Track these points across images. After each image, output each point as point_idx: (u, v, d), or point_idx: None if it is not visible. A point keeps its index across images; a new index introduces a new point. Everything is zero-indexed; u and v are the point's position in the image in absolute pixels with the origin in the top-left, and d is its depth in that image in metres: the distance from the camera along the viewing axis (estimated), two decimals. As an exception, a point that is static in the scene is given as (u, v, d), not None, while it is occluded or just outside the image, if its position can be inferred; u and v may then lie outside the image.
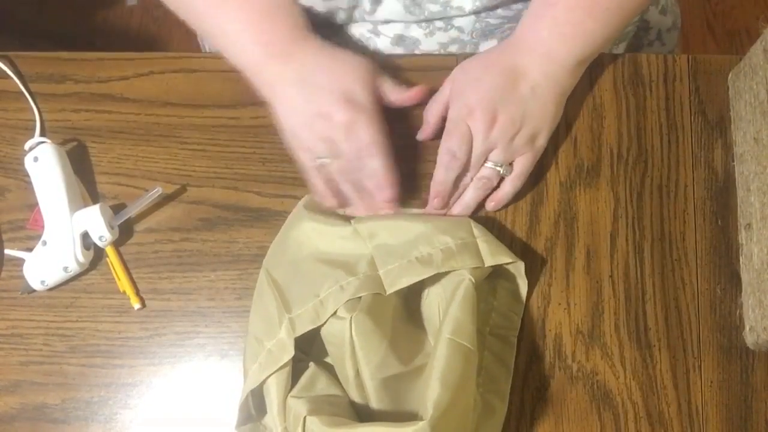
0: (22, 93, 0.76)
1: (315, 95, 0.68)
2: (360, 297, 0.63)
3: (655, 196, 0.73)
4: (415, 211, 0.72)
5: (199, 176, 0.74)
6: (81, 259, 0.70)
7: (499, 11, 0.78)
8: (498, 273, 0.69)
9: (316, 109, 0.67)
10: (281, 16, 0.70)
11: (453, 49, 0.82)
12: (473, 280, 0.64)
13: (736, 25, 1.69)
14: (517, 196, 0.72)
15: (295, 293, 0.64)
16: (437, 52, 0.82)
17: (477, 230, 0.67)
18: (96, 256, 0.73)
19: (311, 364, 0.66)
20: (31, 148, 0.73)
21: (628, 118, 0.75)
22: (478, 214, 0.72)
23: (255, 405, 0.66)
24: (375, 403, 0.64)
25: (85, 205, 0.72)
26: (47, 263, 0.70)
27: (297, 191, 0.73)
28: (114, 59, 0.78)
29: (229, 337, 0.71)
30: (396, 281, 0.64)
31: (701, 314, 0.70)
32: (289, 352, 0.62)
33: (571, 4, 0.68)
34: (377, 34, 0.81)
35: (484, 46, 0.82)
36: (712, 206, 0.73)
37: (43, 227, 0.71)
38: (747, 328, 0.69)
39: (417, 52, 0.82)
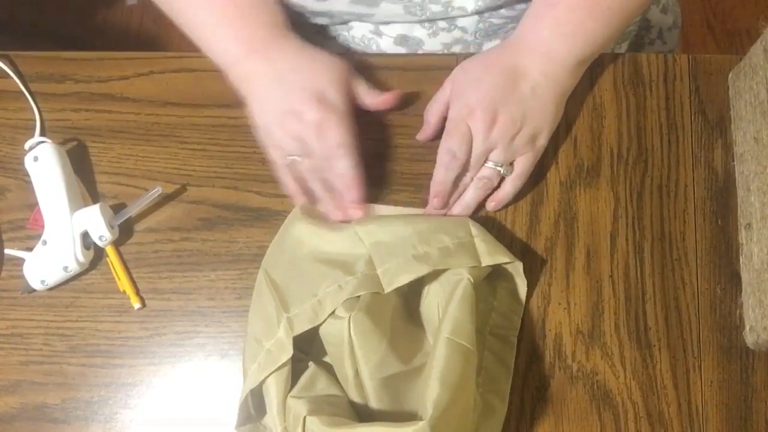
0: (22, 93, 0.76)
1: (288, 93, 0.68)
2: (359, 296, 0.63)
3: (655, 196, 0.73)
4: (414, 210, 0.72)
5: (199, 176, 0.74)
6: (81, 258, 0.70)
7: (503, 11, 0.78)
8: (498, 273, 0.69)
9: (288, 107, 0.68)
10: (260, 13, 0.71)
11: (456, 49, 0.82)
12: (472, 280, 0.64)
13: (736, 25, 1.69)
14: (517, 196, 0.72)
15: (293, 293, 0.64)
16: (440, 52, 0.82)
17: (475, 230, 0.67)
18: (96, 255, 0.73)
19: (311, 364, 0.66)
20: (31, 148, 0.73)
21: (628, 118, 0.75)
22: (478, 214, 0.72)
23: (255, 405, 0.66)
24: (374, 402, 0.64)
25: (85, 205, 0.72)
26: (47, 263, 0.70)
27: (297, 191, 0.73)
28: (114, 59, 0.78)
29: (229, 337, 0.71)
30: (394, 279, 0.64)
31: (701, 314, 0.70)
32: (288, 352, 0.62)
33: (572, 4, 0.68)
34: (379, 34, 0.82)
35: (488, 46, 0.82)
36: (712, 206, 0.73)
37: (43, 227, 0.71)
38: (747, 328, 0.69)
39: (420, 52, 0.82)
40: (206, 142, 0.75)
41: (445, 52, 0.81)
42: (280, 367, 0.63)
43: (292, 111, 0.68)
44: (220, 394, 0.70)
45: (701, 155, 0.74)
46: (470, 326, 0.63)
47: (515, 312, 0.70)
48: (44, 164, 0.71)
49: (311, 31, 0.85)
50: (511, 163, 0.70)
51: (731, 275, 0.71)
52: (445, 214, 0.71)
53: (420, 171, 0.73)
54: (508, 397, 0.68)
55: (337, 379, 0.65)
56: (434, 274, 0.66)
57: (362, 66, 0.76)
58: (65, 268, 0.70)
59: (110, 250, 0.72)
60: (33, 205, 0.72)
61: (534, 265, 0.71)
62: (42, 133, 0.75)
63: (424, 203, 0.71)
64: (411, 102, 0.75)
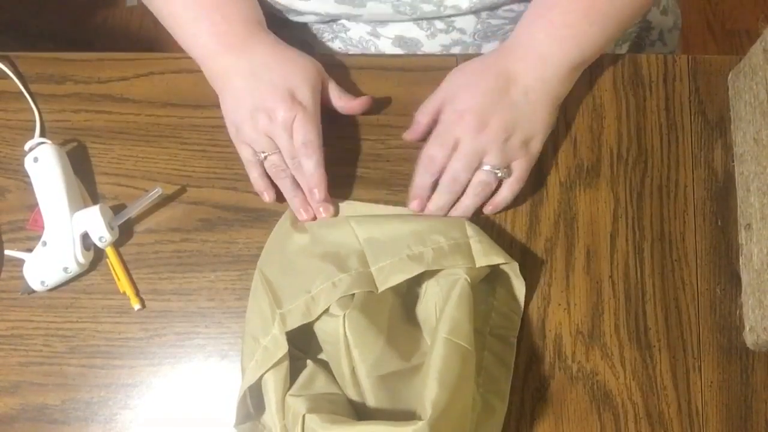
0: (22, 93, 0.76)
1: (260, 90, 0.69)
2: (353, 295, 0.63)
3: (655, 197, 0.73)
4: (391, 209, 0.72)
5: (199, 177, 0.74)
6: (81, 259, 0.70)
7: (501, 12, 0.78)
8: (497, 273, 0.69)
9: (259, 104, 0.68)
10: (237, 9, 0.71)
11: (455, 50, 0.82)
12: (469, 280, 0.64)
13: (736, 25, 1.69)
14: (517, 198, 0.72)
15: (286, 289, 0.65)
16: (439, 53, 0.82)
17: (471, 230, 0.67)
18: (96, 256, 0.73)
19: (309, 363, 0.66)
20: (31, 149, 0.73)
21: (628, 119, 0.75)
22: (479, 215, 0.72)
23: (254, 403, 0.66)
24: (371, 401, 0.64)
25: (85, 206, 0.72)
26: (47, 264, 0.70)
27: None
28: (114, 60, 0.78)
29: (229, 338, 0.71)
30: (388, 278, 0.64)
31: (701, 314, 0.70)
32: (283, 348, 0.62)
33: (568, 8, 0.68)
34: (377, 36, 0.82)
35: (487, 47, 0.82)
36: (712, 206, 0.73)
37: (43, 228, 0.71)
38: (747, 328, 0.69)
39: (419, 53, 0.82)
40: (206, 143, 0.75)
41: (444, 53, 0.81)
42: (276, 364, 0.63)
43: (263, 108, 0.68)
44: (220, 395, 0.70)
45: (701, 156, 0.74)
46: (468, 326, 0.63)
47: (515, 312, 0.70)
48: (44, 165, 0.71)
49: (304, 33, 0.85)
50: (509, 167, 0.70)
51: (731, 276, 0.71)
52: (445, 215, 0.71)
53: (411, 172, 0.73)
54: (508, 397, 0.68)
55: (335, 378, 0.65)
56: (431, 275, 0.66)
57: (361, 66, 0.76)
58: (65, 269, 0.70)
59: (110, 251, 0.72)
60: (33, 206, 0.72)
61: (534, 266, 0.71)
62: (42, 134, 0.75)
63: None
64: (387, 105, 0.75)
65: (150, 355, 0.71)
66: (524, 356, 0.70)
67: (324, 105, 0.71)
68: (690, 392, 0.69)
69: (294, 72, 0.70)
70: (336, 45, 0.85)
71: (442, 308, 0.64)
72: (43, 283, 0.71)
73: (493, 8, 0.77)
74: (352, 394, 0.64)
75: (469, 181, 0.69)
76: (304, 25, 0.84)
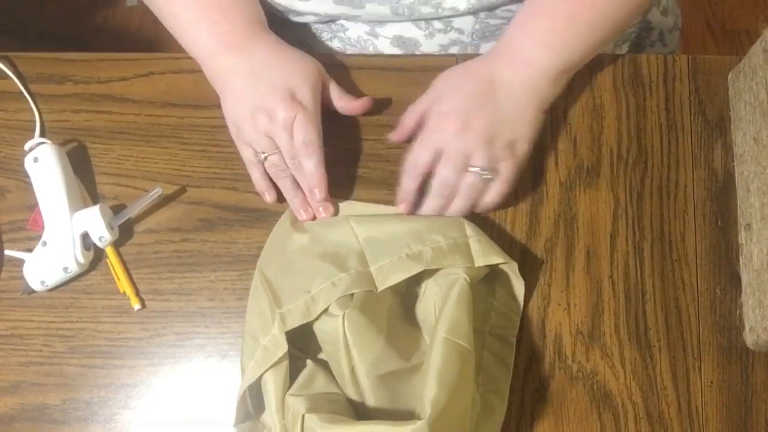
0: (22, 93, 0.76)
1: (260, 90, 0.69)
2: (352, 294, 0.63)
3: (655, 197, 0.73)
4: (387, 209, 0.72)
5: (199, 177, 0.74)
6: (81, 259, 0.70)
7: (499, 12, 0.78)
8: (497, 273, 0.69)
9: (260, 104, 0.68)
10: (238, 8, 0.71)
11: (454, 50, 0.82)
12: (468, 279, 0.64)
13: (736, 25, 1.69)
14: (517, 198, 0.72)
15: (286, 289, 0.65)
16: (437, 53, 0.82)
17: (470, 230, 0.67)
18: (96, 256, 0.73)
19: (309, 362, 0.66)
20: (31, 149, 0.73)
21: (628, 119, 0.75)
22: (479, 215, 0.72)
23: (253, 403, 0.66)
24: (371, 400, 0.64)
25: (85, 206, 0.72)
26: (47, 264, 0.70)
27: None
28: (114, 60, 0.78)
29: (229, 338, 0.71)
30: (387, 278, 0.64)
31: (701, 314, 0.70)
32: (283, 347, 0.62)
33: (553, 13, 0.69)
34: (375, 35, 0.82)
35: (485, 47, 0.82)
36: (712, 206, 0.73)
37: (43, 228, 0.71)
38: (747, 328, 0.69)
39: (417, 53, 0.82)
40: (206, 143, 0.75)
41: (443, 53, 0.81)
42: (276, 363, 0.63)
43: (263, 108, 0.68)
44: (220, 395, 0.70)
45: (701, 156, 0.74)
46: (467, 326, 0.63)
47: (514, 312, 0.70)
48: (44, 165, 0.71)
49: (303, 33, 0.85)
50: (495, 169, 0.69)
51: (731, 276, 0.71)
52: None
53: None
54: (508, 396, 0.68)
55: (335, 377, 0.66)
56: (430, 274, 0.66)
57: (360, 66, 0.76)
58: (65, 269, 0.70)
59: (110, 251, 0.72)
60: (33, 206, 0.72)
61: (534, 266, 0.71)
62: (42, 134, 0.75)
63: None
64: (387, 106, 0.75)
65: (150, 355, 0.71)
66: (524, 356, 0.70)
67: (324, 105, 0.71)
68: (690, 392, 0.69)
69: (294, 72, 0.70)
70: (334, 44, 0.86)
71: (441, 308, 0.64)
72: (43, 283, 0.71)
73: (491, 9, 0.77)
74: (352, 394, 0.64)
75: (461, 185, 0.69)
76: (304, 25, 0.84)
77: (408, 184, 0.69)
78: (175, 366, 0.71)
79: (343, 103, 0.73)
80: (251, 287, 0.69)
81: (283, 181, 0.70)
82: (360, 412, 0.64)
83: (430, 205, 0.69)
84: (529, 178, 0.72)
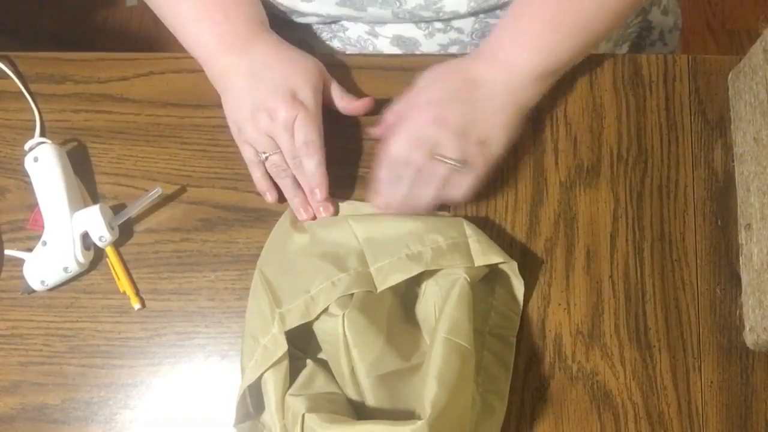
0: (22, 93, 0.76)
1: (261, 90, 0.69)
2: (352, 294, 0.63)
3: (655, 197, 0.73)
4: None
5: (199, 176, 0.74)
6: (81, 259, 0.70)
7: (498, 12, 0.78)
8: (496, 273, 0.69)
9: (261, 104, 0.68)
10: (239, 8, 0.71)
11: (453, 50, 0.82)
12: (468, 279, 0.64)
13: (736, 25, 1.69)
14: (517, 197, 0.72)
15: (285, 289, 0.65)
16: (438, 53, 0.82)
17: (469, 230, 0.67)
18: (96, 256, 0.73)
19: (309, 362, 0.66)
20: (31, 149, 0.73)
21: (628, 118, 0.75)
22: (479, 214, 0.72)
23: (253, 403, 0.66)
24: (371, 400, 0.64)
25: (85, 206, 0.72)
26: (47, 263, 0.70)
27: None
28: (114, 59, 0.78)
29: (229, 338, 0.71)
30: (387, 278, 0.64)
31: (701, 314, 0.70)
32: (282, 347, 0.62)
33: (534, 16, 0.68)
34: (375, 35, 0.82)
35: (485, 47, 0.82)
36: (712, 206, 0.73)
37: (43, 227, 0.71)
38: (747, 328, 0.69)
39: (417, 53, 0.82)
40: (206, 142, 0.75)
41: (442, 53, 0.81)
42: (276, 363, 0.63)
43: (265, 108, 0.68)
44: (220, 395, 0.70)
45: (701, 155, 0.74)
46: (467, 325, 0.63)
47: (514, 312, 0.70)
48: (44, 165, 0.71)
49: (303, 33, 0.85)
50: (465, 162, 0.68)
51: (731, 276, 0.71)
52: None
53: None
54: (508, 396, 0.68)
55: (335, 377, 0.66)
56: (430, 274, 0.66)
57: (361, 66, 0.76)
58: (65, 269, 0.70)
59: (110, 251, 0.72)
60: (33, 206, 0.72)
61: (534, 266, 0.71)
62: (42, 134, 0.75)
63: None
64: (387, 105, 0.74)
65: (150, 355, 0.71)
66: (524, 356, 0.70)
67: (325, 105, 0.71)
68: (690, 392, 0.69)
69: (295, 72, 0.70)
70: (334, 44, 0.86)
71: (441, 308, 0.64)
72: (43, 282, 0.71)
73: (491, 10, 0.77)
74: (352, 394, 0.64)
75: (429, 173, 0.68)
76: (305, 25, 0.84)
77: (383, 174, 0.69)
78: (175, 366, 0.71)
79: (344, 103, 0.73)
80: (251, 287, 0.69)
81: (283, 180, 0.70)
82: (360, 412, 0.64)
83: (398, 190, 0.68)
84: (529, 178, 0.72)
